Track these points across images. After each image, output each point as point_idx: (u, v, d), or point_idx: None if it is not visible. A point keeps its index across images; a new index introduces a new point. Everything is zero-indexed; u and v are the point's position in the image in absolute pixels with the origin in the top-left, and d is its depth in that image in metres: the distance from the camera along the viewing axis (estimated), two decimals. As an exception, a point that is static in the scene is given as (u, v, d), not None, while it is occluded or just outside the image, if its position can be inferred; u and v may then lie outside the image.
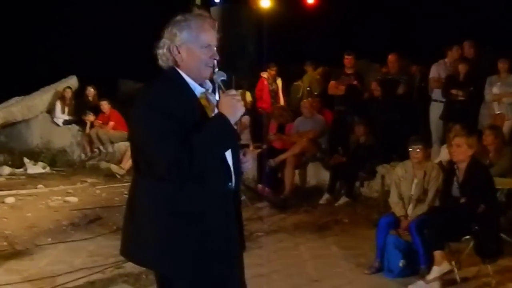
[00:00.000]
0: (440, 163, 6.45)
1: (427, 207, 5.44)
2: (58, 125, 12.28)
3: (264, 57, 10.60)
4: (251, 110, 10.72)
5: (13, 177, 10.25)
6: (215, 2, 12.11)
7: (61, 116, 12.28)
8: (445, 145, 7.28)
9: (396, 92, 8.88)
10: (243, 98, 10.84)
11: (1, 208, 7.76)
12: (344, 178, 8.26)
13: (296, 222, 7.22)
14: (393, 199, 5.69)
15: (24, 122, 12.36)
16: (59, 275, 5.18)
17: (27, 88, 12.89)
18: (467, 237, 5.07)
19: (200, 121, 2.57)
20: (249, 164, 2.97)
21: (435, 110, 8.71)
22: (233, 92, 2.66)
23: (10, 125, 12.32)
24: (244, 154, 2.91)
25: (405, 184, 5.64)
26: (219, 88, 2.72)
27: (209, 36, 2.69)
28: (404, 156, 6.17)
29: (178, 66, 2.67)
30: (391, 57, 9.21)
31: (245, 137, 9.98)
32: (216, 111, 2.69)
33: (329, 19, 12.35)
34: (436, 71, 8.84)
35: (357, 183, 8.26)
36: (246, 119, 10.14)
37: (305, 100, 9.63)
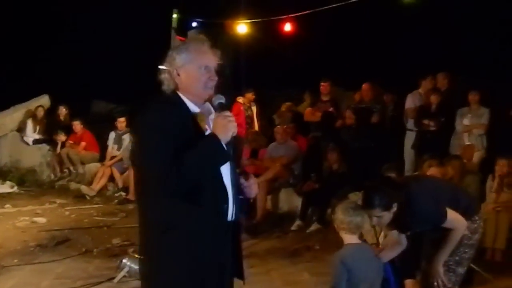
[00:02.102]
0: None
1: (399, 235, 5.44)
2: (28, 144, 12.12)
3: (242, 82, 10.64)
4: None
5: (-20, 196, 10.04)
6: (192, 27, 12.14)
7: (31, 135, 12.12)
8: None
9: (369, 120, 8.98)
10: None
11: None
12: (316, 205, 8.26)
13: (268, 248, 7.18)
14: (365, 227, 5.68)
15: (-7, 140, 12.16)
16: (24, 297, 5.07)
17: (-2, 106, 12.72)
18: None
19: (195, 141, 2.66)
20: (254, 189, 3.01)
21: (410, 139, 8.82)
22: (227, 113, 2.74)
23: (-21, 143, 12.11)
24: (246, 179, 2.98)
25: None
26: (216, 110, 2.81)
27: (207, 58, 2.81)
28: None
29: (178, 89, 2.80)
30: (365, 86, 9.34)
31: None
32: (209, 131, 2.77)
33: (306, 46, 12.49)
34: (412, 101, 8.97)
35: (329, 210, 8.25)
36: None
37: (278, 126, 9.68)
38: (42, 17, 14.99)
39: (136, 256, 6.14)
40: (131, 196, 10.34)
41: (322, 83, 9.76)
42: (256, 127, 11.07)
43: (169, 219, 2.65)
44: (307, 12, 10.36)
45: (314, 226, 8.00)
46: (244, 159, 9.46)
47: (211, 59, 2.82)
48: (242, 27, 11.59)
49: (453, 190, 4.44)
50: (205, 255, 2.69)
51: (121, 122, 11.41)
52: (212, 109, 2.87)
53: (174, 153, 2.57)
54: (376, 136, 8.77)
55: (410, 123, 8.93)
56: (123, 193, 10.51)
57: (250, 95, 10.94)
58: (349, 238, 3.63)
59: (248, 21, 11.46)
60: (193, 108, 2.79)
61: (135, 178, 2.88)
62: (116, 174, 10.90)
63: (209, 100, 2.86)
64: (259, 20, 11.25)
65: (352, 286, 3.53)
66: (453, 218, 3.87)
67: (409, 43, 11.86)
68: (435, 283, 3.91)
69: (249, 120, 10.95)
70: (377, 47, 12.30)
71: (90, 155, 11.39)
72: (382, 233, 5.55)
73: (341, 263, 3.53)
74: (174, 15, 12.14)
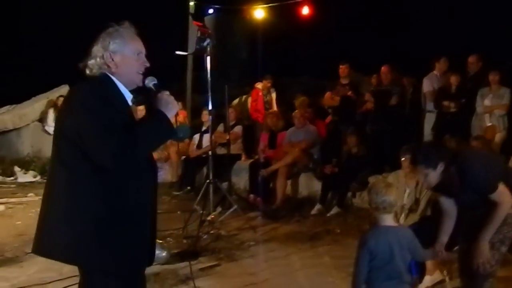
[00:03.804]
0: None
1: (419, 216, 5.43)
2: (49, 133, 12.21)
3: (259, 68, 10.62)
4: (243, 120, 10.73)
5: (3, 185, 10.20)
6: (208, 13, 12.12)
7: (53, 124, 12.21)
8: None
9: (389, 103, 8.91)
10: (244, 106, 10.87)
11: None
12: (336, 189, 8.25)
13: (287, 232, 7.19)
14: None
15: (15, 131, 12.32)
16: (48, 283, 5.14)
17: (19, 97, 12.86)
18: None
19: (131, 122, 2.74)
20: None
21: (429, 121, 8.75)
22: (166, 92, 2.87)
23: (1, 134, 12.28)
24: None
25: (397, 194, 5.62)
26: (151, 91, 2.92)
27: (139, 44, 2.93)
28: (396, 166, 6.17)
29: (111, 73, 2.84)
30: (384, 69, 9.26)
31: (237, 147, 9.99)
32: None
33: (323, 31, 12.41)
34: (430, 84, 8.88)
35: (349, 194, 8.25)
36: (239, 129, 10.15)
37: (296, 111, 9.65)
38: (60, 8, 15.09)
39: (158, 241, 6.22)
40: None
41: (341, 66, 9.71)
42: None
43: (110, 194, 2.67)
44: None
45: (334, 210, 8.00)
46: (262, 145, 9.46)
47: (142, 46, 2.93)
48: (259, 12, 11.53)
49: (503, 165, 4.37)
50: (138, 228, 2.78)
51: (140, 110, 11.45)
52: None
53: (123, 128, 2.61)
54: (395, 119, 8.70)
55: (429, 105, 8.85)
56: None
57: (267, 81, 10.92)
58: (381, 219, 3.55)
59: (265, 5, 11.40)
60: (125, 91, 2.86)
61: (58, 151, 2.76)
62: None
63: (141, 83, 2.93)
64: (276, 4, 11.19)
65: (375, 268, 3.48)
66: (502, 191, 3.76)
67: (424, 25, 11.72)
68: (478, 263, 3.82)
69: (268, 106, 10.93)
70: (393, 30, 12.18)
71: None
72: (403, 215, 5.54)
73: (364, 245, 3.48)
74: (191, 2, 12.14)
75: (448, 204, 4.03)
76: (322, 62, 11.51)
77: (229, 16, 11.82)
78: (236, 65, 11.82)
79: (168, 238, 6.70)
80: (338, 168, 8.46)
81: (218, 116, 9.16)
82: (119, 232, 2.69)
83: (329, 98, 9.93)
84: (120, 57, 2.83)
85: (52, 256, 2.80)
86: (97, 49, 2.84)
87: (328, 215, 7.94)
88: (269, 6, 11.40)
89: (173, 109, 2.84)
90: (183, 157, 10.64)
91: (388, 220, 3.53)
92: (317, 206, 8.14)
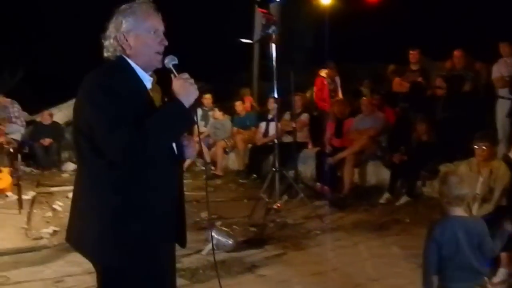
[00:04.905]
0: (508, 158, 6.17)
1: (493, 206, 5.22)
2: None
3: (326, 54, 10.48)
4: (310, 108, 10.64)
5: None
6: (274, 0, 12.06)
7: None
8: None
9: (462, 88, 8.62)
10: (306, 97, 10.77)
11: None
12: (405, 177, 8.06)
13: (355, 221, 7.09)
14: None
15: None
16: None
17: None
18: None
19: (150, 110, 2.51)
20: (193, 151, 2.83)
21: (502, 108, 8.42)
22: (186, 75, 2.59)
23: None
24: (187, 140, 2.82)
25: (470, 183, 5.41)
26: (171, 72, 2.64)
27: (156, 21, 2.63)
28: (468, 154, 5.94)
29: (127, 55, 2.59)
30: (457, 53, 8.96)
31: (304, 135, 9.93)
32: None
33: (391, 15, 12.12)
34: (498, 71, 8.53)
35: (419, 182, 8.04)
36: (305, 117, 10.08)
37: (364, 98, 9.48)
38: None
39: (224, 229, 6.28)
40: (219, 171, 10.55)
41: (411, 52, 9.47)
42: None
43: (123, 187, 2.49)
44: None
45: (403, 199, 7.82)
46: (329, 133, 9.35)
47: (160, 22, 2.64)
48: (325, -2, 11.34)
49: None
50: (156, 222, 2.57)
51: (207, 98, 11.59)
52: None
53: (135, 120, 2.40)
54: (468, 105, 8.39)
55: (503, 91, 8.48)
56: (212, 167, 10.72)
57: (331, 69, 10.76)
58: (452, 211, 3.44)
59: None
60: (143, 75, 2.62)
61: (77, 144, 2.61)
62: (204, 150, 11.10)
63: (161, 64, 2.66)
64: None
65: (445, 259, 3.38)
66: None
67: (497, 8, 11.21)
68: None
69: (333, 94, 10.79)
70: (464, 14, 11.74)
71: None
72: (476, 204, 5.34)
73: (430, 235, 3.39)
74: (257, -10, 12.10)
75: None
76: (391, 47, 11.22)
77: (295, 3, 11.71)
78: (302, 51, 11.73)
79: (234, 226, 6.73)
80: (407, 156, 8.25)
81: (285, 104, 9.11)
82: (137, 227, 2.51)
83: (398, 84, 9.70)
84: (134, 37, 2.56)
85: (78, 250, 2.68)
86: (110, 29, 2.60)
87: (397, 204, 7.77)
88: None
89: (192, 95, 2.56)
90: (250, 145, 10.68)
91: (458, 211, 3.42)
92: (386, 195, 7.98)
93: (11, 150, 9.10)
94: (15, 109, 12.82)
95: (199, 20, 14.13)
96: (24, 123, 13.05)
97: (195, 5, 13.97)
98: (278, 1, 11.48)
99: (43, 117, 12.58)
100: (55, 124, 12.56)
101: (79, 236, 2.63)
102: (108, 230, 2.51)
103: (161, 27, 2.64)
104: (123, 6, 2.61)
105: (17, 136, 12.39)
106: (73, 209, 2.67)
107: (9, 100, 13.07)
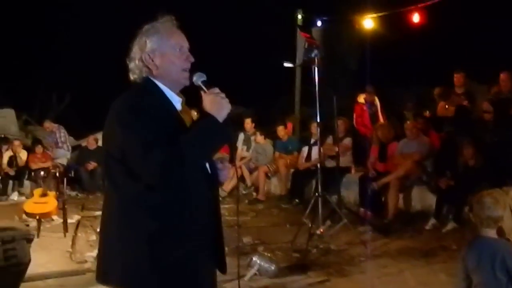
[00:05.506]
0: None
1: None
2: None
3: (367, 79, 10.42)
4: (353, 132, 10.55)
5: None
6: (316, 25, 12.09)
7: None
8: None
9: (509, 112, 8.41)
10: (349, 121, 10.68)
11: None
12: (452, 203, 7.86)
13: (400, 248, 6.93)
14: (508, 225, 5.29)
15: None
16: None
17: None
18: None
19: (181, 131, 2.42)
20: (227, 173, 2.78)
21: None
22: (216, 90, 2.52)
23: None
24: (221, 163, 2.76)
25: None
26: (200, 89, 2.58)
27: (180, 38, 2.59)
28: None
29: (153, 75, 2.55)
30: (503, 76, 8.80)
31: (347, 160, 9.83)
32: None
33: (435, 38, 12.00)
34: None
35: (466, 208, 7.80)
36: (348, 141, 9.99)
37: (408, 122, 9.35)
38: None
39: (266, 254, 6.22)
40: (261, 196, 10.51)
41: (456, 75, 9.34)
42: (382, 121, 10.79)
43: (158, 212, 2.42)
44: (437, 0, 9.91)
45: (450, 225, 7.61)
46: (372, 158, 9.22)
47: (184, 39, 2.59)
48: (368, 22, 11.33)
49: None
50: (192, 246, 2.47)
51: (249, 123, 11.62)
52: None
53: (168, 141, 2.32)
54: (516, 129, 8.18)
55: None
56: (254, 192, 10.70)
57: (369, 93, 10.66)
58: (483, 231, 3.39)
59: (374, 15, 11.18)
60: (172, 95, 2.56)
61: (107, 170, 2.56)
62: (246, 174, 11.10)
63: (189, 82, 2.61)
64: (386, 13, 10.94)
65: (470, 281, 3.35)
66: None
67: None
68: None
69: (375, 118, 10.68)
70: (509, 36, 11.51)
71: (220, 156, 11.68)
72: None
73: (461, 257, 3.36)
74: (299, 15, 12.16)
75: None
76: (435, 71, 11.09)
77: (337, 27, 11.73)
78: (345, 75, 11.69)
79: (277, 252, 6.66)
80: (453, 181, 8.05)
81: (327, 128, 9.05)
82: (177, 253, 2.44)
83: (443, 108, 9.55)
84: (160, 56, 2.52)
85: (109, 283, 2.56)
86: (135, 50, 2.56)
87: (443, 230, 7.58)
88: (378, 15, 11.17)
89: (225, 109, 2.47)
90: (292, 169, 10.63)
91: (489, 232, 3.43)
92: (432, 221, 7.80)
93: (57, 174, 9.28)
94: (61, 134, 13.15)
95: (242, 44, 14.26)
96: (70, 147, 13.36)
97: (237, 30, 14.11)
98: (320, 25, 11.56)
99: (89, 142, 12.82)
100: (100, 148, 12.76)
101: (110, 268, 2.53)
102: (145, 258, 2.42)
103: (185, 44, 2.60)
104: (146, 26, 2.58)
105: (63, 161, 12.68)
106: (102, 242, 2.60)
107: (56, 125, 13.40)
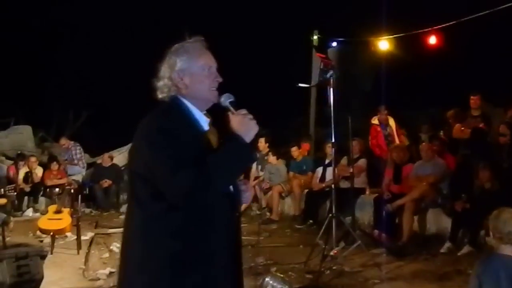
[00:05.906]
0: None
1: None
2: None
3: (382, 100, 10.40)
4: (367, 153, 10.51)
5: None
6: (332, 46, 12.13)
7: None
8: None
9: (525, 135, 8.35)
10: (363, 142, 10.64)
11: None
12: (468, 226, 7.77)
13: (414, 271, 6.85)
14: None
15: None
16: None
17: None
18: None
19: (208, 152, 2.44)
20: (250, 195, 2.80)
21: None
22: (244, 111, 2.55)
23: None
24: (244, 184, 2.77)
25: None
26: (228, 110, 2.59)
27: (209, 59, 2.63)
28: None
29: (182, 94, 2.58)
30: (519, 99, 8.72)
31: (361, 181, 9.78)
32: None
33: (451, 60, 11.98)
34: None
35: (482, 232, 7.73)
36: (363, 162, 9.96)
37: (424, 144, 9.29)
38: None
39: (279, 275, 6.18)
40: (275, 216, 10.48)
41: (472, 97, 9.29)
42: (397, 142, 10.74)
43: (183, 231, 2.42)
44: (453, 22, 9.91)
45: (465, 249, 7.51)
46: (387, 179, 9.17)
47: (212, 59, 2.64)
48: (383, 44, 11.35)
49: None
50: (215, 268, 2.49)
51: (262, 143, 11.62)
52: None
53: (196, 161, 2.33)
54: (533, 152, 8.11)
55: None
56: (268, 212, 10.67)
57: (383, 114, 10.63)
58: (501, 248, 3.34)
59: (390, 37, 11.21)
60: (200, 115, 2.60)
61: (132, 189, 2.56)
62: (260, 194, 11.08)
63: (216, 101, 2.63)
64: (402, 35, 10.96)
65: None
66: None
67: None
68: None
69: (390, 138, 10.64)
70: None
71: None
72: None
73: (474, 273, 3.31)
74: (315, 36, 12.22)
75: None
76: (450, 93, 11.06)
77: (353, 48, 11.75)
78: (360, 97, 11.67)
79: (290, 273, 6.62)
80: (469, 204, 7.98)
81: (342, 149, 9.03)
82: (197, 273, 2.43)
83: (459, 130, 9.50)
84: (189, 76, 2.56)
85: None
86: (164, 69, 2.59)
87: (459, 254, 7.47)
88: (394, 37, 11.19)
89: (252, 131, 2.49)
90: (306, 190, 10.60)
91: (507, 249, 3.32)
92: (447, 244, 7.70)
93: (72, 191, 9.32)
94: (77, 151, 13.23)
95: (257, 64, 14.34)
96: (85, 165, 13.44)
97: (253, 51, 14.20)
98: (336, 46, 11.59)
99: (104, 160, 12.90)
100: (115, 166, 12.85)
101: (129, 286, 2.53)
102: (166, 278, 2.43)
103: (214, 64, 2.64)
104: (175, 46, 2.63)
105: (78, 178, 12.75)
106: (124, 258, 2.60)
107: (72, 142, 13.50)
